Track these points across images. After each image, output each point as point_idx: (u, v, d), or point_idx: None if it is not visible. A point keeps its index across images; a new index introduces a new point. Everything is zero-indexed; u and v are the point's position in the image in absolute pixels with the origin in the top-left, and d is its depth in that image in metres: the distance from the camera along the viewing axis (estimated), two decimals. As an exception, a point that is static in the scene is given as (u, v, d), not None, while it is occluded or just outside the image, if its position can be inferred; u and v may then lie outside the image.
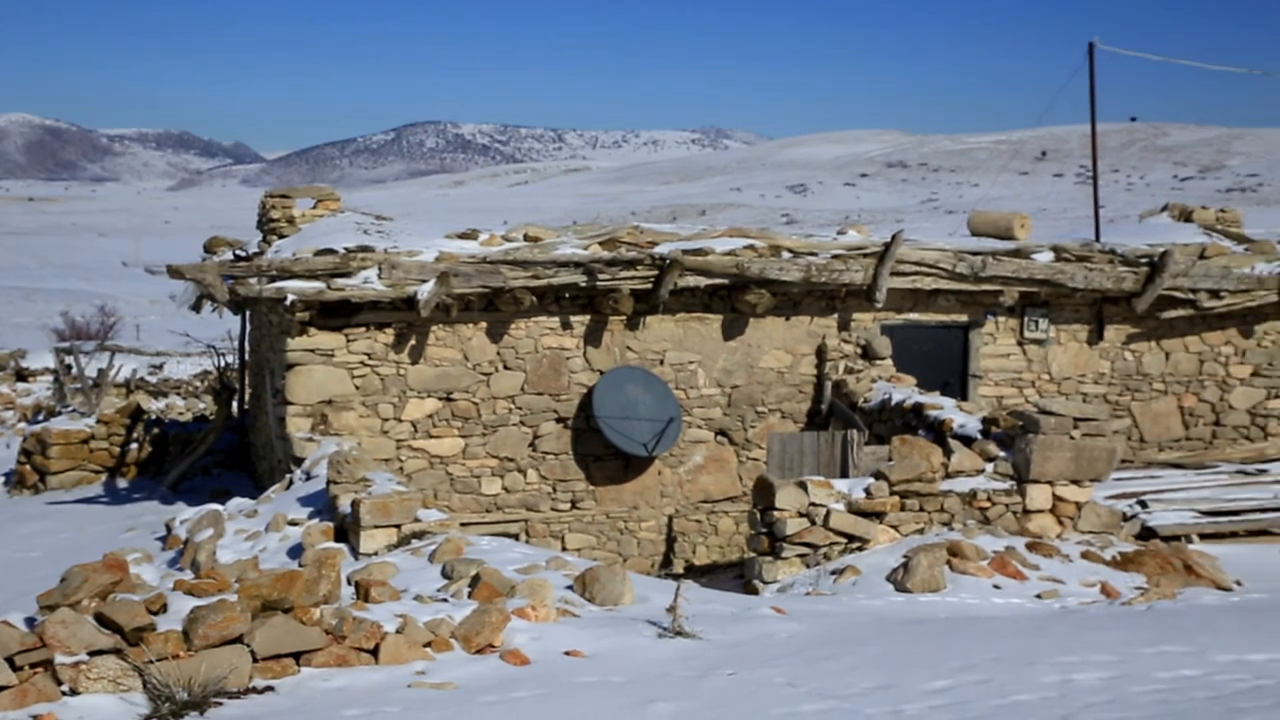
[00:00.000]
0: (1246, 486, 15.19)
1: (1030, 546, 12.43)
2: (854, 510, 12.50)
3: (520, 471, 16.21)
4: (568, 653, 8.10)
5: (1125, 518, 13.66)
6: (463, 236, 16.28)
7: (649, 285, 16.00)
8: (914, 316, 17.35)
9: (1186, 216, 19.77)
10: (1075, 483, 13.13)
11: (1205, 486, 15.18)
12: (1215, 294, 17.40)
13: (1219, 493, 14.85)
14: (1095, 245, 17.75)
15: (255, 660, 7.11)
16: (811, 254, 16.61)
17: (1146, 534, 13.59)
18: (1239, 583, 12.21)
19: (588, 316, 16.36)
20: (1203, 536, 13.69)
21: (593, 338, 16.39)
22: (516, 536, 15.81)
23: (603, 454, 16.44)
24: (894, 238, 16.76)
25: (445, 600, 8.87)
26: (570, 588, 9.80)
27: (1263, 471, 15.96)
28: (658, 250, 16.06)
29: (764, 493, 12.62)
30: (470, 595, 9.13)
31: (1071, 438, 13.10)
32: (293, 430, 15.24)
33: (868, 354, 16.98)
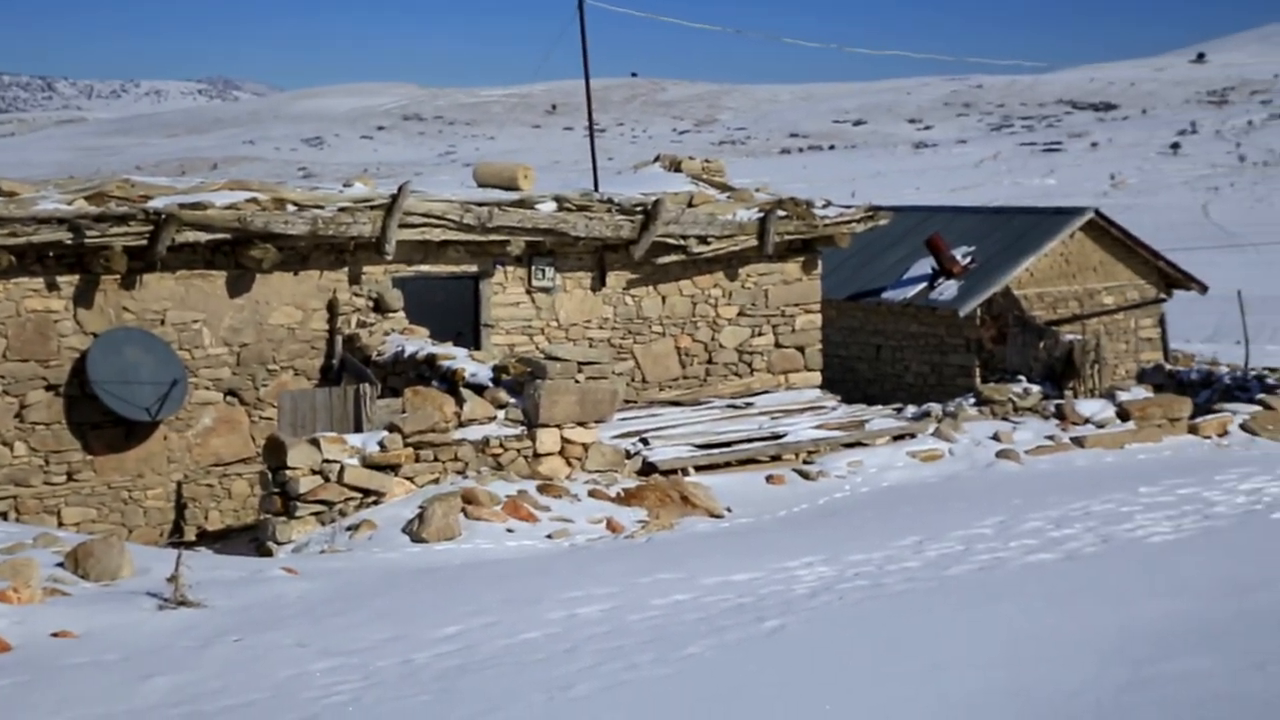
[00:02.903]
0: (736, 420, 16.35)
1: (541, 489, 12.83)
2: (368, 464, 12.45)
3: (6, 445, 14.99)
4: (56, 634, 7.61)
5: (629, 455, 14.35)
6: (-78, 192, 14.78)
7: (145, 242, 15.15)
8: (425, 268, 17.40)
9: (676, 167, 20.89)
10: (582, 424, 13.65)
11: (700, 421, 16.21)
12: (703, 240, 18.52)
13: (712, 426, 15.89)
14: (595, 195, 18.42)
15: None
16: (318, 207, 16.28)
17: (649, 469, 14.32)
18: (729, 509, 13.14)
19: (77, 276, 15.30)
20: (698, 468, 14.60)
21: (84, 299, 15.35)
22: (5, 515, 14.66)
23: (101, 421, 15.48)
24: (400, 190, 16.70)
25: (-89, 592, 8.09)
26: (61, 565, 9.22)
27: (749, 405, 17.24)
28: (152, 205, 15.22)
29: (275, 452, 12.33)
30: (-58, 583, 8.36)
31: (577, 381, 13.61)
32: None
33: (380, 307, 16.88)
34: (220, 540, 15.18)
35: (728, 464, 14.93)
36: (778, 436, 15.58)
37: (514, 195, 17.85)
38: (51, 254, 15.03)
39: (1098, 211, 25.16)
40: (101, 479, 15.57)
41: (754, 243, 18.83)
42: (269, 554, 11.82)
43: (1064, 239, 24.53)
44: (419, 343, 15.94)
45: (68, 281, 15.26)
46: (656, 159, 21.76)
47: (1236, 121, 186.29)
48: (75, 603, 8.34)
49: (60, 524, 14.97)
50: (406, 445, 12.67)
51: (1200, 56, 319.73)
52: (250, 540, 13.73)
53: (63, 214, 14.73)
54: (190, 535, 15.77)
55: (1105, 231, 25.15)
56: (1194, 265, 28.75)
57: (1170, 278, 25.88)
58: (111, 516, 15.59)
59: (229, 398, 16.30)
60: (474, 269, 17.68)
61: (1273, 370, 22.72)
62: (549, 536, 11.82)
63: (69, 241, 14.77)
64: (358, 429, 13.55)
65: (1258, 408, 16.99)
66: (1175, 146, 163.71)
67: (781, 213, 18.94)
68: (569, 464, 13.56)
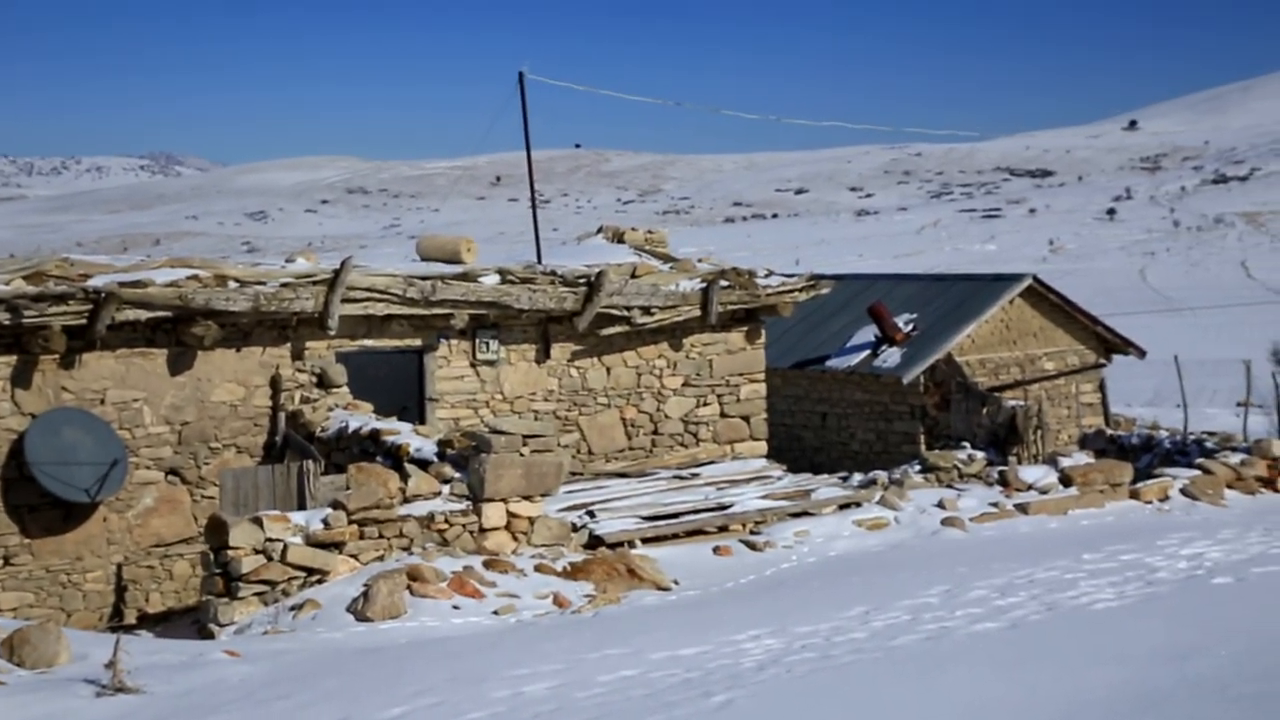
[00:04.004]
0: (682, 490, 16.33)
1: (488, 564, 12.73)
2: (312, 543, 12.29)
3: (-59, 530, 14.72)
4: (-10, 726, 7.44)
5: (575, 528, 14.28)
6: None
7: (84, 321, 15.02)
8: (369, 343, 17.34)
9: (619, 238, 21.03)
10: (528, 498, 13.57)
11: (647, 493, 16.17)
12: (647, 310, 18.60)
13: (659, 498, 15.85)
14: (538, 267, 18.48)
15: None
16: (260, 283, 16.21)
17: (595, 542, 14.25)
18: (676, 582, 13.08)
19: (14, 357, 15.11)
20: (645, 540, 14.53)
21: (21, 379, 15.16)
22: (-61, 602, 14.35)
23: (39, 503, 15.23)
24: (343, 265, 16.68)
25: None
26: (-4, 653, 9.00)
27: (696, 475, 17.24)
28: (92, 283, 15.10)
29: (217, 531, 12.16)
30: None
31: (522, 454, 13.56)
32: None
33: (324, 383, 16.79)
34: (162, 623, 14.93)
35: (675, 535, 14.88)
36: (724, 507, 15.57)
37: (457, 268, 17.88)
38: (-12, 334, 14.86)
39: (1036, 278, 25.52)
40: (39, 562, 15.30)
41: (698, 313, 18.95)
42: (211, 636, 11.63)
43: (1004, 305, 24.84)
44: (363, 418, 15.85)
45: (5, 362, 15.07)
46: (599, 230, 21.88)
47: (1170, 187, 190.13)
48: (10, 692, 8.16)
49: (-4, 609, 14.68)
50: (351, 522, 12.53)
51: (1133, 124, 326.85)
52: (192, 622, 13.51)
53: None
54: (131, 618, 15.51)
55: (1044, 297, 25.51)
56: (1132, 330, 29.19)
57: (1109, 343, 26.25)
58: (50, 601, 15.30)
59: (170, 477, 16.10)
60: (418, 343, 17.65)
61: (1211, 434, 23.02)
62: (495, 613, 11.72)
63: (6, 322, 14.60)
64: (301, 507, 13.40)
65: (1197, 472, 17.19)
66: (1111, 212, 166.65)
67: (724, 283, 19.08)
68: (515, 538, 13.46)
